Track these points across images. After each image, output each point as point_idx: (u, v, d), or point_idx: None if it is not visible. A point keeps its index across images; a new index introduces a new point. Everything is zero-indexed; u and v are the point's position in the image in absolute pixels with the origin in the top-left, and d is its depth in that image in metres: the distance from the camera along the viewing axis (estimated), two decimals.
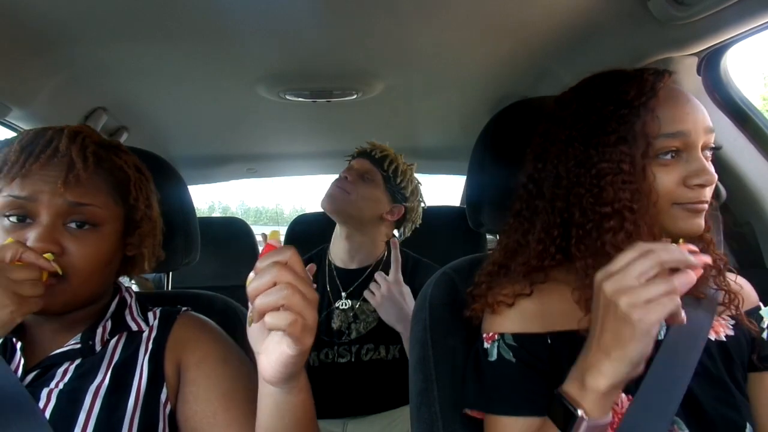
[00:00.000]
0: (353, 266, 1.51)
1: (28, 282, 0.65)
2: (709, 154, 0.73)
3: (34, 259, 0.67)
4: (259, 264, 0.57)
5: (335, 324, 1.45)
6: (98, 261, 0.75)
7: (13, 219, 0.71)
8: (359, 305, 1.46)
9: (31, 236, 0.70)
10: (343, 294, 1.47)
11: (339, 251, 1.53)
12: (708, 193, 0.71)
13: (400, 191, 1.52)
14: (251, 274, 0.57)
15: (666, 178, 0.70)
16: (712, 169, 0.71)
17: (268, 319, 0.55)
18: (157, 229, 0.87)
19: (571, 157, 0.74)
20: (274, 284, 0.55)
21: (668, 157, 0.70)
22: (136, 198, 0.81)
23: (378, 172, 1.49)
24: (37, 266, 0.67)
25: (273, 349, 0.59)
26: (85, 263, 0.73)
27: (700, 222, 0.71)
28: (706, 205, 0.71)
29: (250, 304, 0.57)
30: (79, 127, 0.80)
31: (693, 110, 0.72)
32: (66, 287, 0.72)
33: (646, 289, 0.57)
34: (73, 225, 0.73)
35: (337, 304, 1.47)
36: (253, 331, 0.62)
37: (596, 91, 0.75)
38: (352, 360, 1.44)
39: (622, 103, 0.71)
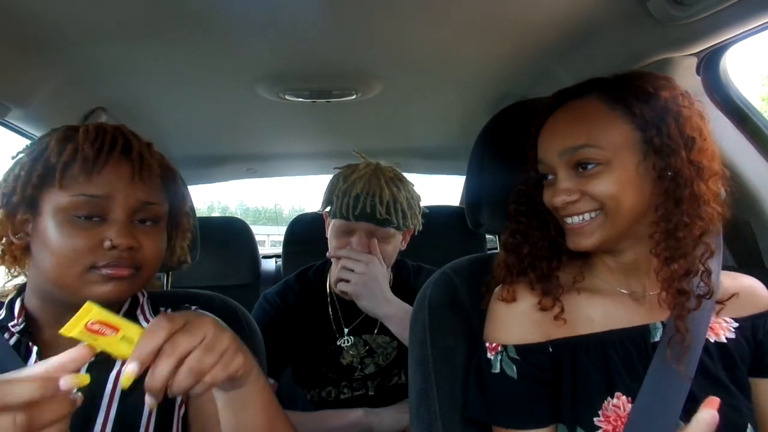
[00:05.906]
0: None
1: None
2: (586, 169, 0.74)
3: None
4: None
5: (344, 360, 1.36)
6: (161, 254, 0.79)
7: (84, 217, 0.72)
8: (374, 338, 1.38)
9: (112, 233, 0.71)
10: (345, 330, 1.38)
11: None
12: (575, 208, 0.75)
13: (408, 223, 1.37)
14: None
15: (547, 196, 0.80)
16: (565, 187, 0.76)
17: None
18: (191, 224, 0.91)
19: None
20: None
21: (547, 178, 0.81)
22: (183, 194, 0.86)
23: (392, 230, 1.33)
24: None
25: None
26: (155, 257, 0.77)
27: (579, 240, 0.76)
28: (573, 219, 0.76)
29: None
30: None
31: (550, 138, 0.79)
32: (140, 280, 0.75)
33: None
34: (137, 221, 0.76)
35: (339, 343, 1.36)
36: None
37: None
38: (369, 393, 1.37)
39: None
